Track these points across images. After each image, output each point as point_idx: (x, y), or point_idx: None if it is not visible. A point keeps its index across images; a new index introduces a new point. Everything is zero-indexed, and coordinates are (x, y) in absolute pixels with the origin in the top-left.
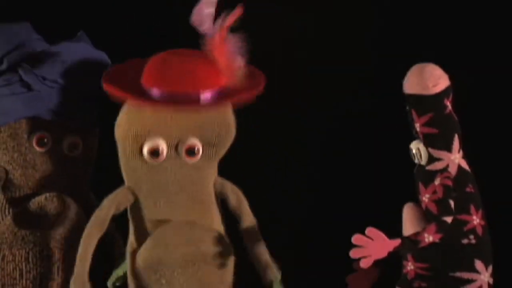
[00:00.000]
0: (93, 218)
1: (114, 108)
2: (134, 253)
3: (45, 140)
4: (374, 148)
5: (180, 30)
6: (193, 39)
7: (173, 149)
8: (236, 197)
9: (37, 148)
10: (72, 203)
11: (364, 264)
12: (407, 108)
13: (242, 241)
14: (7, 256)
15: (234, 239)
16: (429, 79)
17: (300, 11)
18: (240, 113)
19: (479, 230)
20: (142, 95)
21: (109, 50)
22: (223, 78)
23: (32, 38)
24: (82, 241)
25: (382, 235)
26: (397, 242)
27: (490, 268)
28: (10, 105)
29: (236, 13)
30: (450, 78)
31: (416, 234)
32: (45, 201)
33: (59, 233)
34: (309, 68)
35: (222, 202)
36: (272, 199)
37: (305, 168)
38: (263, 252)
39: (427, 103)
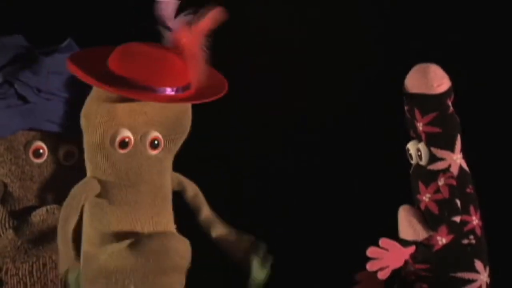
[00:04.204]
0: (67, 205)
1: None
2: (97, 253)
3: (41, 151)
4: (366, 150)
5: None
6: None
7: (139, 140)
8: (192, 188)
9: (34, 160)
10: None
11: (382, 275)
12: (408, 107)
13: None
14: (11, 270)
15: None
16: (434, 78)
17: (300, 9)
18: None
19: (478, 231)
20: (114, 83)
21: None
22: (190, 74)
23: (26, 50)
24: (62, 228)
25: (396, 244)
26: (412, 249)
27: (488, 268)
28: (6, 118)
29: (216, 15)
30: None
31: (429, 238)
32: (47, 214)
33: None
34: (304, 65)
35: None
36: (266, 201)
37: (296, 169)
38: (230, 229)
39: (432, 102)
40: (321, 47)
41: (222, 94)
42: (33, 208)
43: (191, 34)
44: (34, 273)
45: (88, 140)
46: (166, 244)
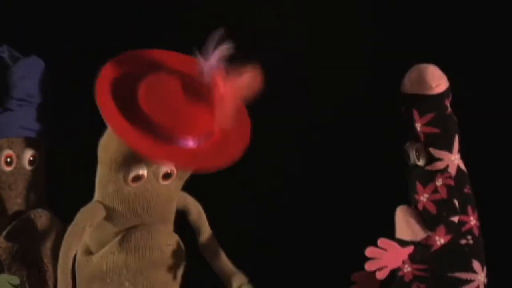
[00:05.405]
0: (70, 233)
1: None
2: (89, 258)
3: (9, 159)
4: (364, 150)
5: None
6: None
7: (151, 173)
8: (197, 210)
9: (6, 168)
10: (54, 218)
11: (381, 275)
12: (405, 107)
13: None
14: None
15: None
16: (432, 79)
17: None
18: None
19: (476, 231)
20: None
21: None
22: (215, 122)
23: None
24: (63, 256)
25: (395, 244)
26: (410, 249)
27: (485, 268)
28: None
29: (255, 76)
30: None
31: (427, 238)
32: (34, 218)
33: (49, 249)
34: (303, 66)
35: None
36: (266, 201)
37: (295, 169)
38: (226, 261)
39: (430, 103)
40: (321, 47)
41: (244, 146)
42: (17, 215)
43: (227, 86)
44: (31, 279)
45: (102, 170)
46: (154, 236)
